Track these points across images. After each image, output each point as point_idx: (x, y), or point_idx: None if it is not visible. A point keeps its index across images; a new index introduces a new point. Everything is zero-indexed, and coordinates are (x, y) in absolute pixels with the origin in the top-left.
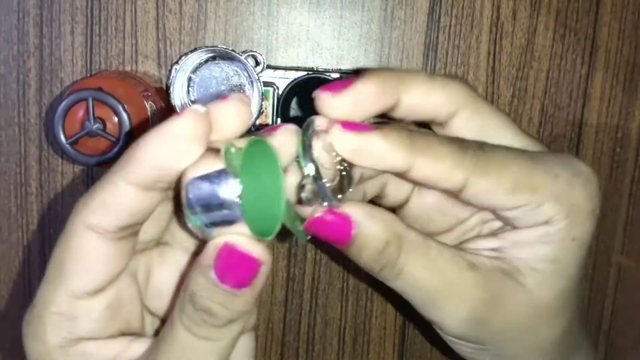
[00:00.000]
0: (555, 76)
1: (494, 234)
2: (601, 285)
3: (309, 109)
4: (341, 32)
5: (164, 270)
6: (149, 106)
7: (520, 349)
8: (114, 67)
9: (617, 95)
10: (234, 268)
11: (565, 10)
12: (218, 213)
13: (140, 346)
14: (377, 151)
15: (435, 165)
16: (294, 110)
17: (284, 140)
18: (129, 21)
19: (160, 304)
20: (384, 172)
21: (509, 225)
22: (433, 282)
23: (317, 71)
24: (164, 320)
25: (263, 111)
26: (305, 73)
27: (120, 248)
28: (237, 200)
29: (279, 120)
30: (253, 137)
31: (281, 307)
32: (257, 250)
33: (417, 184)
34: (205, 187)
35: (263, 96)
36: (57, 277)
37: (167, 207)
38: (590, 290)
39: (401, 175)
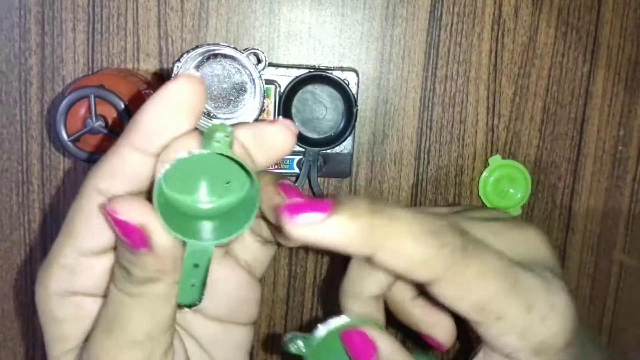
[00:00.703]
0: (557, 74)
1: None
2: (603, 284)
3: (310, 107)
4: (343, 30)
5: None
6: None
7: None
8: (115, 65)
9: (619, 93)
10: (123, 230)
11: (567, 8)
12: None
13: None
14: (331, 242)
15: (400, 261)
16: (295, 108)
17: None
18: (130, 19)
19: None
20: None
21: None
22: None
23: (319, 69)
24: None
25: (265, 109)
26: (307, 71)
27: None
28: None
29: (280, 118)
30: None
31: (283, 305)
32: (134, 215)
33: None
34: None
35: (265, 94)
36: (67, 234)
37: None
38: (591, 288)
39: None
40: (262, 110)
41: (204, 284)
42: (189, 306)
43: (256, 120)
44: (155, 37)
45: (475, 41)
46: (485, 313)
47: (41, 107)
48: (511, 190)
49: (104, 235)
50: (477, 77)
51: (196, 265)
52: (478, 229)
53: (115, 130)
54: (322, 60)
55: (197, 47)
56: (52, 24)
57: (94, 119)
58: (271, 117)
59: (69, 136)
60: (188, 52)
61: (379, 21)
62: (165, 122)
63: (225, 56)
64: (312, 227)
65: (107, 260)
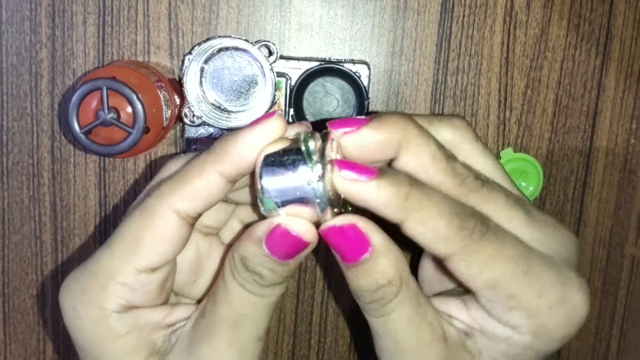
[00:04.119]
0: (569, 66)
1: (465, 300)
2: (614, 278)
3: (321, 100)
4: (354, 22)
5: (185, 252)
6: (162, 96)
7: None
8: (126, 58)
9: (631, 85)
10: (285, 246)
11: (579, 0)
12: (291, 196)
13: (181, 311)
14: (371, 200)
15: (425, 231)
16: (306, 101)
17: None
18: (141, 12)
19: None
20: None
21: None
22: (409, 338)
23: (330, 61)
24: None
25: (276, 102)
26: (317, 63)
27: (189, 231)
28: (309, 185)
29: (291, 110)
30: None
31: (293, 298)
32: (308, 234)
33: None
34: (279, 172)
35: (276, 86)
36: (129, 251)
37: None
38: (603, 282)
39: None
40: (273, 103)
41: None
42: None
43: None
44: (165, 30)
45: (487, 33)
46: (497, 290)
47: (52, 100)
48: (523, 184)
49: (170, 252)
50: (489, 70)
51: None
52: (513, 215)
53: (126, 123)
54: (333, 52)
55: (208, 39)
56: (63, 16)
57: (106, 111)
58: (282, 110)
59: (81, 128)
60: (199, 44)
61: (390, 13)
62: (255, 154)
63: (236, 49)
64: (358, 183)
65: (162, 273)
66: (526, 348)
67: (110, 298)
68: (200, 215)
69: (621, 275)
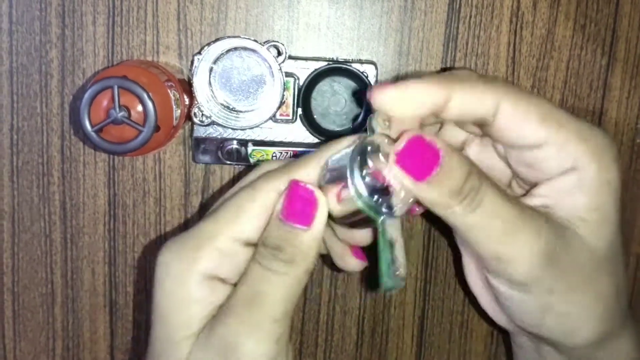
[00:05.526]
0: (575, 66)
1: (528, 193)
2: None
3: (329, 100)
4: (361, 22)
5: None
6: (172, 95)
7: (584, 300)
8: (135, 58)
9: (637, 85)
10: (296, 204)
11: (585, 1)
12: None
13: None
14: (417, 93)
15: (469, 92)
16: (314, 100)
17: None
18: (150, 12)
19: None
20: (424, 115)
21: (539, 175)
22: (512, 212)
23: (338, 61)
24: None
25: (284, 101)
26: (325, 63)
27: None
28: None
29: (299, 110)
30: None
31: (300, 297)
32: (314, 189)
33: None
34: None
35: (284, 86)
36: (232, 219)
37: None
38: None
39: (439, 114)
40: (281, 103)
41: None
42: (391, 290)
43: (274, 114)
44: (174, 30)
45: (493, 34)
46: (547, 122)
47: (61, 100)
48: None
49: (261, 226)
50: (496, 70)
51: (392, 244)
52: None
53: (137, 122)
54: (340, 52)
55: (217, 39)
56: (73, 16)
57: (117, 109)
58: (290, 111)
59: (92, 126)
60: (208, 44)
61: (398, 14)
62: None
63: (245, 49)
64: (399, 86)
65: (248, 252)
66: (599, 184)
67: (202, 259)
68: None
69: (627, 273)
